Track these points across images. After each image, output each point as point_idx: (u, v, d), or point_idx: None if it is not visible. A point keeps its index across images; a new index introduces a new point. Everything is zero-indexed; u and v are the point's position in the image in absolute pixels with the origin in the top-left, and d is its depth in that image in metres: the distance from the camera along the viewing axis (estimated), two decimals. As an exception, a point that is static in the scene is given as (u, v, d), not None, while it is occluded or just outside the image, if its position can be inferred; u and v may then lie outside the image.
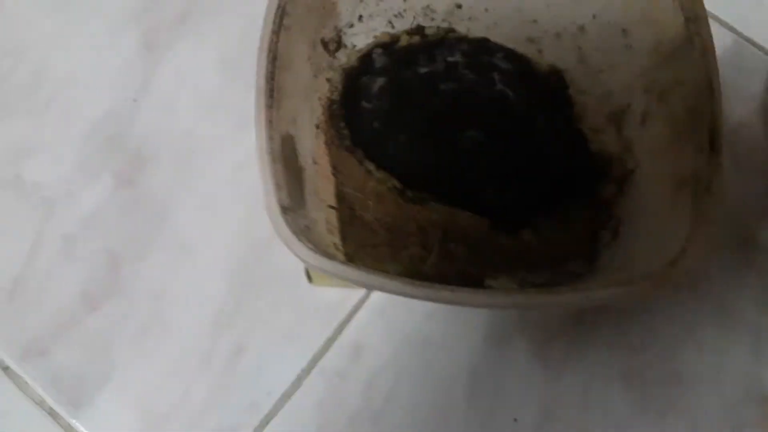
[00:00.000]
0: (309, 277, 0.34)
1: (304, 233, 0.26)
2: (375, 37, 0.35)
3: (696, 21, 0.29)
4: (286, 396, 0.35)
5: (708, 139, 0.27)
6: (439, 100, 0.35)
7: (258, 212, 0.37)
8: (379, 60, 0.35)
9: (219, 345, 0.36)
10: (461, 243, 0.33)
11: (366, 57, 0.35)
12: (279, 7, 0.27)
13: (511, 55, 0.36)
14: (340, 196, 0.33)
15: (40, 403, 0.35)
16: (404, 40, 0.35)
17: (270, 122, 0.26)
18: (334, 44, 0.33)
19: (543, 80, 0.36)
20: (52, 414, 0.35)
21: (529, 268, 0.32)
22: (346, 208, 0.33)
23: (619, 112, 0.34)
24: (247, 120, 0.38)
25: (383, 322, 0.36)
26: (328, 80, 0.34)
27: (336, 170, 0.33)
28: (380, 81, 0.35)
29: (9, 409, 0.35)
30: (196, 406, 0.35)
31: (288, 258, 0.36)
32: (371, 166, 0.34)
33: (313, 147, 0.32)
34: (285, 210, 0.25)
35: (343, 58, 0.34)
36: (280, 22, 0.27)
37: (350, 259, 0.32)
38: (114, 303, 0.36)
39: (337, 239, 0.31)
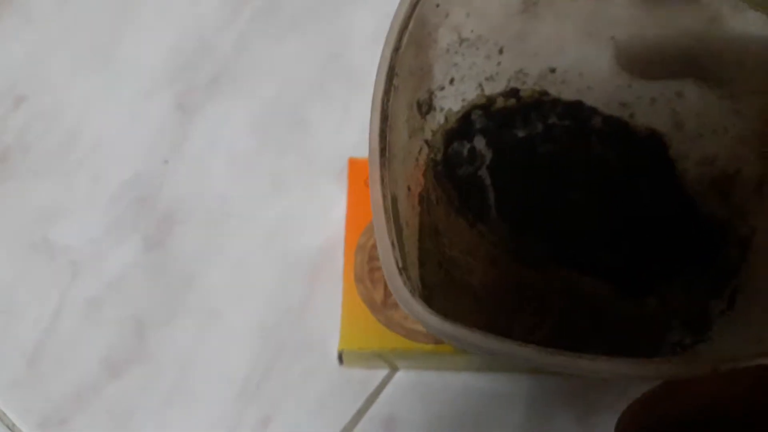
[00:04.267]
0: (340, 360, 0.33)
1: (419, 293, 0.25)
2: (464, 100, 0.34)
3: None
4: (314, 473, 0.34)
5: None
6: (538, 162, 0.35)
7: (290, 279, 0.37)
8: (479, 121, 0.35)
9: (245, 416, 0.35)
10: (585, 312, 0.32)
11: (465, 119, 0.35)
12: (390, 68, 0.27)
13: (607, 117, 0.35)
14: (440, 262, 0.32)
15: (57, 477, 0.34)
16: (500, 103, 0.35)
17: (383, 180, 0.25)
18: (426, 106, 0.33)
19: (641, 143, 0.35)
20: (69, 489, 0.33)
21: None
22: (442, 272, 0.32)
23: (724, 178, 0.32)
24: (279, 184, 0.38)
25: (416, 395, 0.35)
26: (426, 142, 0.33)
27: (438, 234, 0.33)
28: (479, 142, 0.35)
29: (23, 483, 0.34)
30: (220, 483, 0.33)
31: (318, 328, 0.36)
32: (484, 229, 0.33)
33: (405, 210, 0.31)
34: (401, 270, 0.24)
35: (440, 118, 0.34)
36: (391, 82, 0.27)
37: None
38: (137, 370, 0.35)
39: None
